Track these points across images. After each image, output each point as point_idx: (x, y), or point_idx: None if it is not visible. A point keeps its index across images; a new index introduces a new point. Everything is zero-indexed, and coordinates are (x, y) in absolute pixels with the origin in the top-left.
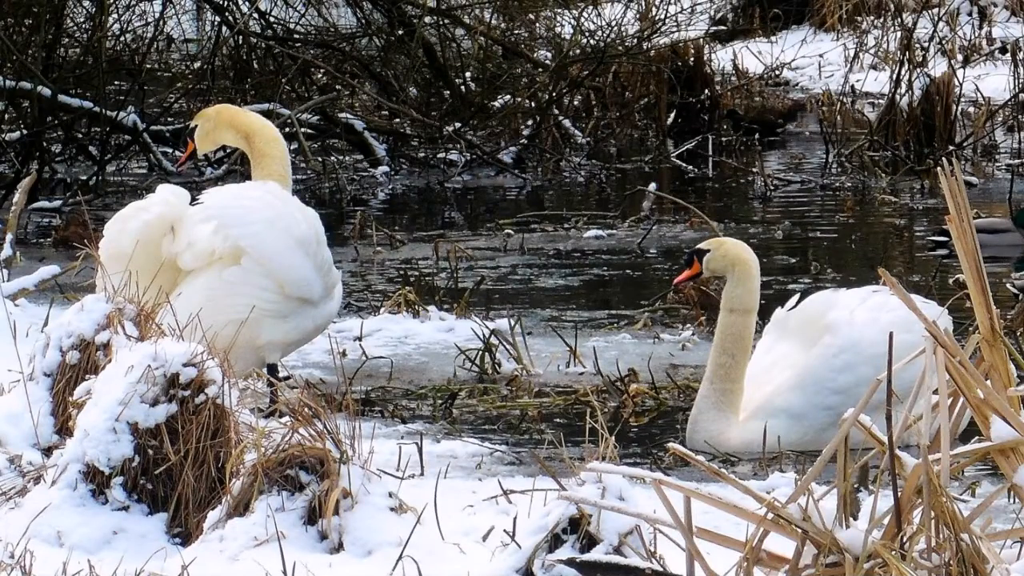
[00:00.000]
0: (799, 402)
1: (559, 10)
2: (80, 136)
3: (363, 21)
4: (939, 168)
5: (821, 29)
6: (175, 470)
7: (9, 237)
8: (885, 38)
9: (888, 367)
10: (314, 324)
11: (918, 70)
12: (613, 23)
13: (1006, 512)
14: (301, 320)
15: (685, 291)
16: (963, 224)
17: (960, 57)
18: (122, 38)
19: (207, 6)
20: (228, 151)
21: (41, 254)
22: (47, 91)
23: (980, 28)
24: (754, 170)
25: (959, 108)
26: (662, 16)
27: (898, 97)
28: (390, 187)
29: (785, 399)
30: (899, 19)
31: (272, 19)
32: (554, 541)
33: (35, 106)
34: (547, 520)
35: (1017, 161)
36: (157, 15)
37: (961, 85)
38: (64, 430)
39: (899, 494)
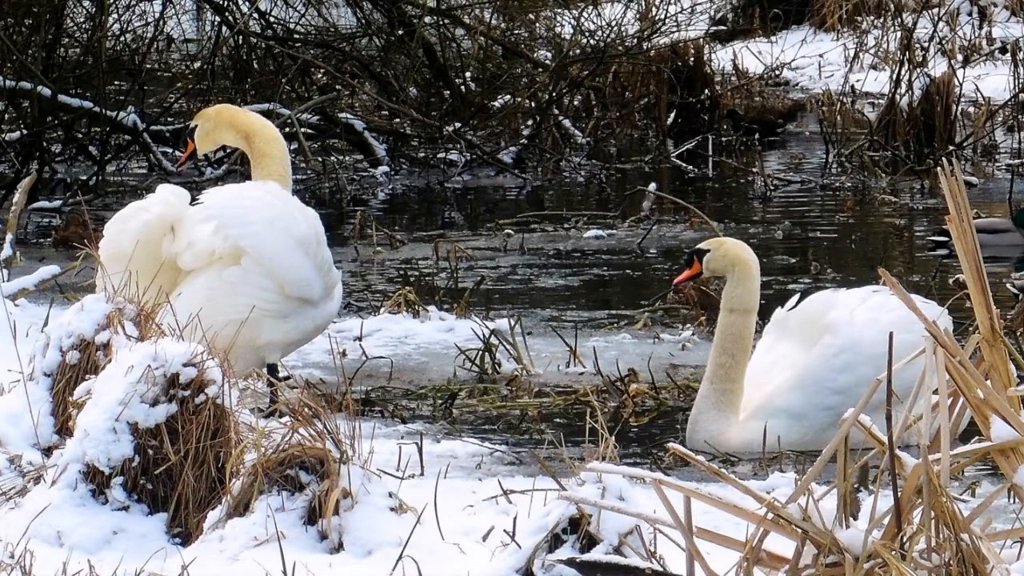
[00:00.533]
0: (799, 402)
1: (559, 10)
2: (80, 136)
3: (363, 21)
4: (939, 168)
5: (821, 29)
6: (175, 470)
7: (9, 237)
8: (885, 38)
9: (888, 367)
10: (314, 324)
11: (918, 70)
12: (613, 23)
13: (1006, 512)
14: (301, 320)
15: (685, 291)
16: (963, 224)
17: (960, 57)
18: (122, 38)
19: (207, 6)
20: (228, 151)
21: (41, 254)
22: (47, 91)
23: (980, 28)
24: (754, 170)
25: (959, 108)
26: (662, 16)
27: (898, 97)
28: (390, 187)
29: (785, 399)
30: (899, 19)
31: (272, 19)
32: (554, 541)
33: (35, 106)
34: (547, 520)
35: (1017, 161)
36: (157, 15)
37: (961, 85)
38: (64, 430)
39: (899, 494)
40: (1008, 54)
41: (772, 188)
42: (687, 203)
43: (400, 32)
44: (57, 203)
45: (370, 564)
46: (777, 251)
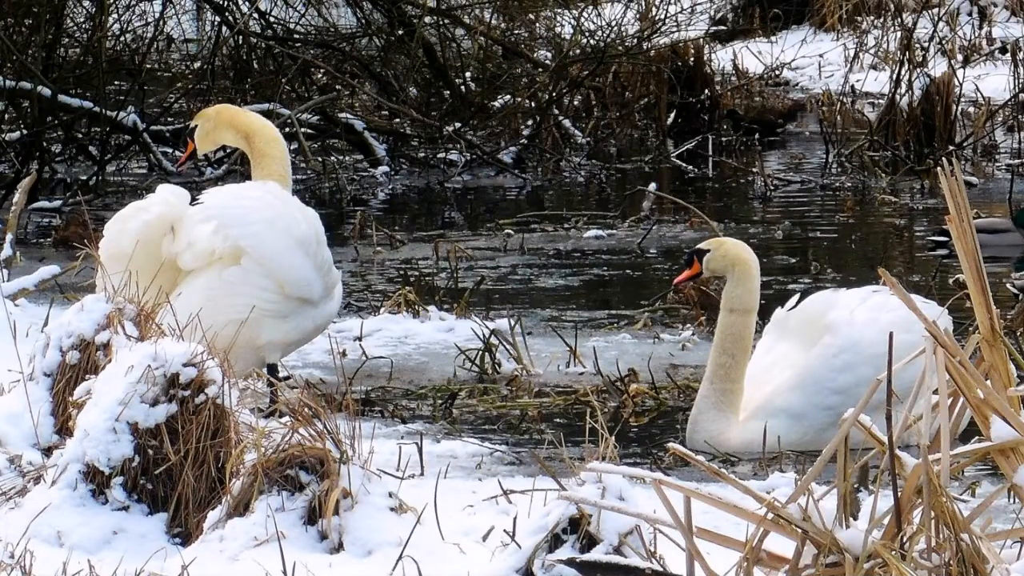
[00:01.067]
0: (799, 402)
1: (559, 10)
2: (80, 136)
3: (363, 21)
4: (939, 168)
5: (821, 29)
6: (175, 470)
7: (9, 237)
8: (885, 38)
9: (888, 367)
10: (314, 324)
11: (918, 70)
12: (613, 23)
13: (1006, 512)
14: (301, 320)
15: (685, 291)
16: (963, 224)
17: (960, 57)
18: (122, 38)
19: (207, 6)
20: (228, 151)
21: (41, 254)
22: (47, 91)
23: (980, 28)
24: (754, 170)
25: (959, 108)
26: (662, 16)
27: (898, 97)
28: (390, 187)
29: (785, 399)
30: (899, 19)
31: (272, 19)
32: (554, 541)
33: (35, 106)
34: (547, 520)
35: (1017, 161)
36: (157, 15)
37: (961, 85)
38: (64, 430)
39: (899, 494)
40: (1008, 54)
41: (772, 188)
42: (687, 203)
43: (400, 32)
44: (57, 203)
45: (370, 564)
46: (777, 251)
